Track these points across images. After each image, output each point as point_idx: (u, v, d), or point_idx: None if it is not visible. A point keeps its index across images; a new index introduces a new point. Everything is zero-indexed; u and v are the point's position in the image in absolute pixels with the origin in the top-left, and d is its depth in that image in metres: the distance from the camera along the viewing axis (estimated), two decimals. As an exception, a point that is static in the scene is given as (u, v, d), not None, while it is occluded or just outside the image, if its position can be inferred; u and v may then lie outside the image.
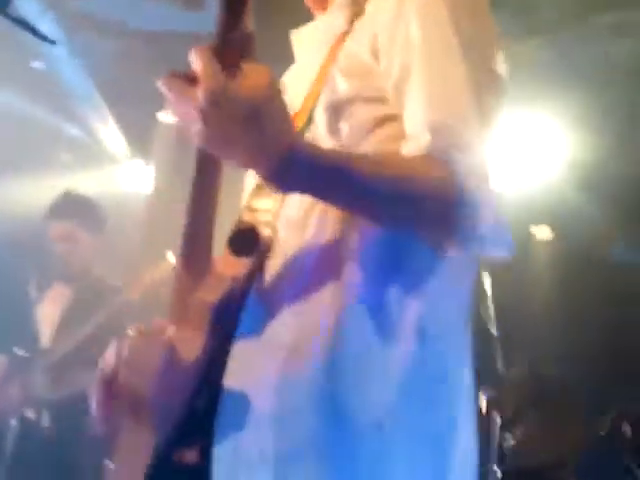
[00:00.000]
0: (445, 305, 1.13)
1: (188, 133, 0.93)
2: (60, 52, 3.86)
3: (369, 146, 1.11)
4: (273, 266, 1.16)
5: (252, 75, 0.91)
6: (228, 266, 1.17)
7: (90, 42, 4.11)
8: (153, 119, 4.49)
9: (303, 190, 1.02)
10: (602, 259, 4.64)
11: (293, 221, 1.16)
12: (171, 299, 1.18)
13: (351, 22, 1.19)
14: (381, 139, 1.11)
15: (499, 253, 1.08)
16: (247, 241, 1.16)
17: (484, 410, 3.08)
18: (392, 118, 1.10)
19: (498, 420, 3.12)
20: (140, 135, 4.63)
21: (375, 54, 1.12)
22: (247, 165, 0.96)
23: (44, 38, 1.11)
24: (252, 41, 0.99)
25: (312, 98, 1.18)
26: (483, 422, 2.99)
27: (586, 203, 4.33)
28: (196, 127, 0.91)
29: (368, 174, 1.00)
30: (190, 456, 1.10)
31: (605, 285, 4.45)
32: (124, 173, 4.84)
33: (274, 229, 1.16)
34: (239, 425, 1.07)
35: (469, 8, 1.12)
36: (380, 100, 1.11)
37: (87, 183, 4.31)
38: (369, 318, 1.07)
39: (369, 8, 1.18)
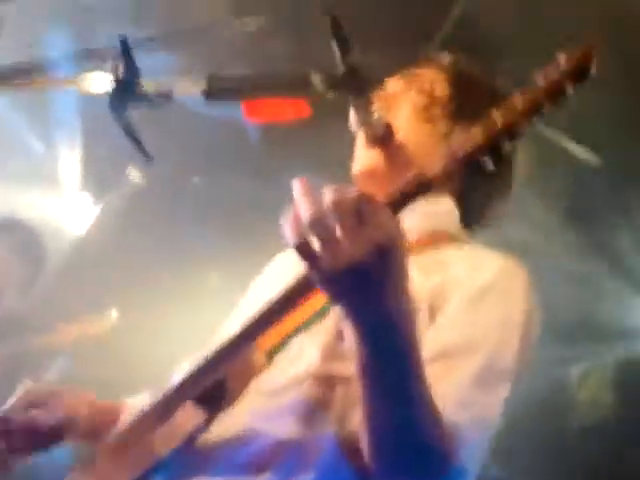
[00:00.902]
0: None
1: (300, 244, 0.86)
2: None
3: None
4: (224, 425, 1.17)
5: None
6: (186, 416, 1.15)
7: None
8: (119, 171, 4.44)
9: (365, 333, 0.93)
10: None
11: (268, 389, 1.17)
12: (123, 428, 1.15)
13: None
14: None
15: None
16: (214, 394, 1.15)
17: None
18: None
19: None
20: (99, 176, 4.55)
21: (433, 312, 1.19)
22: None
23: (144, 153, 1.10)
24: None
25: None
26: None
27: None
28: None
29: (418, 385, 0.97)
30: None
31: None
32: (66, 202, 4.71)
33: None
34: None
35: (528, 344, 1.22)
36: None
37: (27, 197, 4.19)
38: None
39: (455, 269, 1.24)
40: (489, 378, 1.12)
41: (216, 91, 1.28)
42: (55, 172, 4.64)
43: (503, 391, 1.14)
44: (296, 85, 1.45)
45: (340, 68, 1.33)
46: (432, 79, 1.53)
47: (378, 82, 1.58)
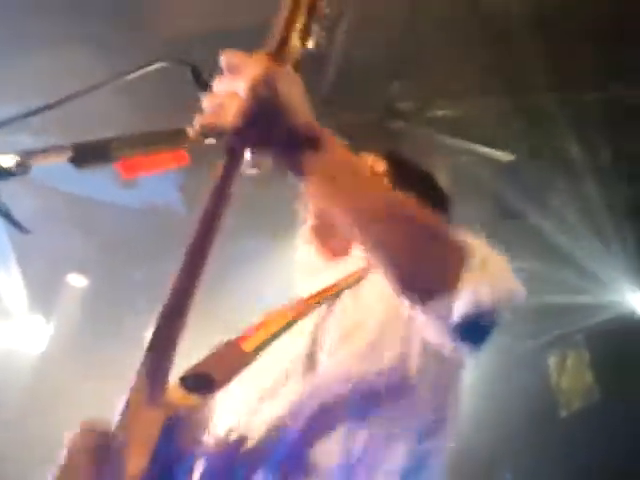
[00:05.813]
0: None
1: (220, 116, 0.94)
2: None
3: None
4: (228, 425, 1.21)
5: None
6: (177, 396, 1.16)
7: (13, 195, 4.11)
8: (60, 281, 4.42)
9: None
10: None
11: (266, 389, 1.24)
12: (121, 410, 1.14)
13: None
14: None
15: (464, 348, 1.12)
16: (200, 384, 1.17)
17: None
18: None
19: None
20: (44, 293, 4.52)
21: None
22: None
23: (18, 226, 1.13)
24: None
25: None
26: None
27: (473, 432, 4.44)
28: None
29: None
30: None
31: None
32: (17, 328, 4.65)
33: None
34: None
35: None
36: None
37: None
38: None
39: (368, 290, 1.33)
40: None
41: (83, 156, 1.30)
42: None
43: None
44: (171, 138, 1.48)
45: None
46: None
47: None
